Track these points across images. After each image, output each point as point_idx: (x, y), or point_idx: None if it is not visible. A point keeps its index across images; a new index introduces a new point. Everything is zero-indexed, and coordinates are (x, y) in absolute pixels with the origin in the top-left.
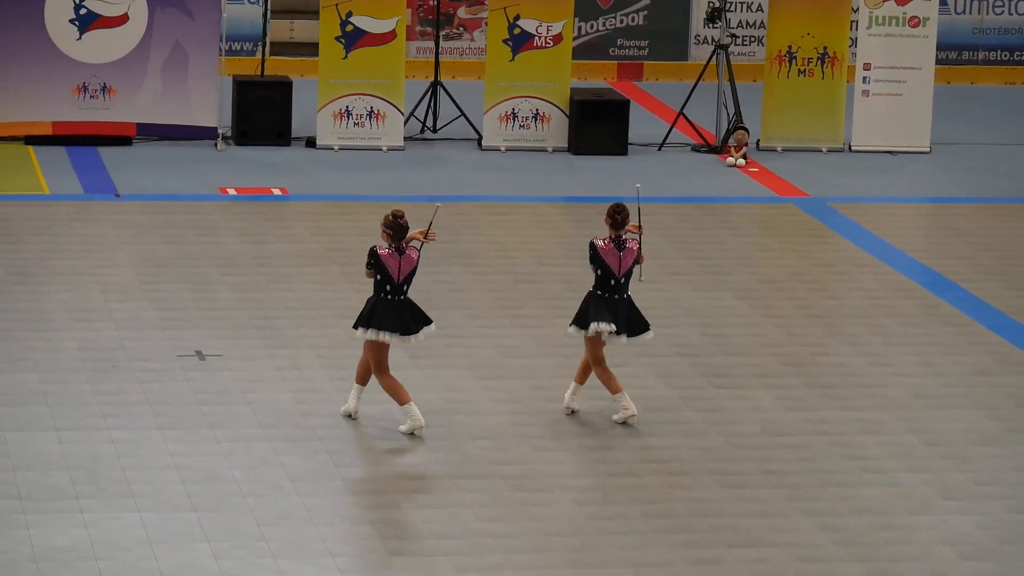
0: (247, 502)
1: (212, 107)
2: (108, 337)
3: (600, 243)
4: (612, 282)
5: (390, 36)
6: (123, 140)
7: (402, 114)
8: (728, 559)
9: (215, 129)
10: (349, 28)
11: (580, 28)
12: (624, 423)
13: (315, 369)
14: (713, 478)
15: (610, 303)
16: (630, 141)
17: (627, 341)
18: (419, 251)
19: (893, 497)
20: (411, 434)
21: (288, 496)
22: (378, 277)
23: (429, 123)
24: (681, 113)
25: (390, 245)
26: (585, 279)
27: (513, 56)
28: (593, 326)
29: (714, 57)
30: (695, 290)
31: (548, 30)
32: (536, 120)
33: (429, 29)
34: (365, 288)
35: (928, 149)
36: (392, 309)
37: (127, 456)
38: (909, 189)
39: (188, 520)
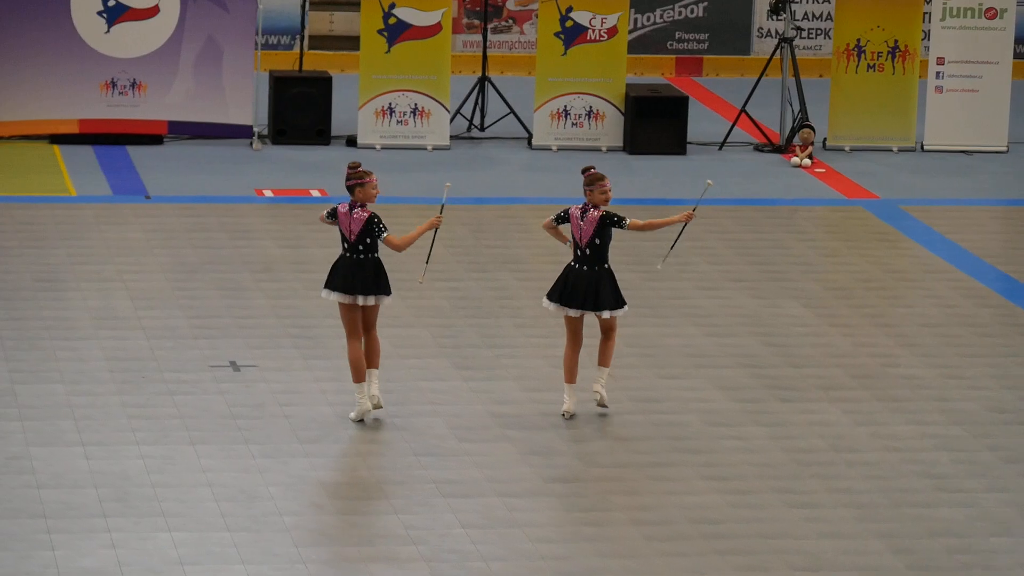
0: (284, 521)
1: (247, 104)
2: (138, 347)
3: (574, 208)
4: (578, 252)
5: (435, 29)
6: (154, 139)
7: (448, 111)
8: None
9: (250, 127)
10: (392, 20)
11: (636, 20)
12: (566, 415)
13: None
14: (778, 497)
15: (576, 275)
16: (689, 140)
17: (575, 313)
18: (368, 216)
19: (971, 518)
20: (360, 420)
21: (328, 515)
22: (340, 235)
23: (476, 121)
24: (743, 110)
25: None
26: (641, 285)
27: (565, 50)
28: (552, 305)
29: (778, 51)
30: (757, 297)
31: (602, 23)
32: (589, 118)
33: (476, 22)
34: (410, 295)
35: (1006, 148)
36: (347, 267)
37: (158, 472)
38: (985, 191)
39: (222, 540)
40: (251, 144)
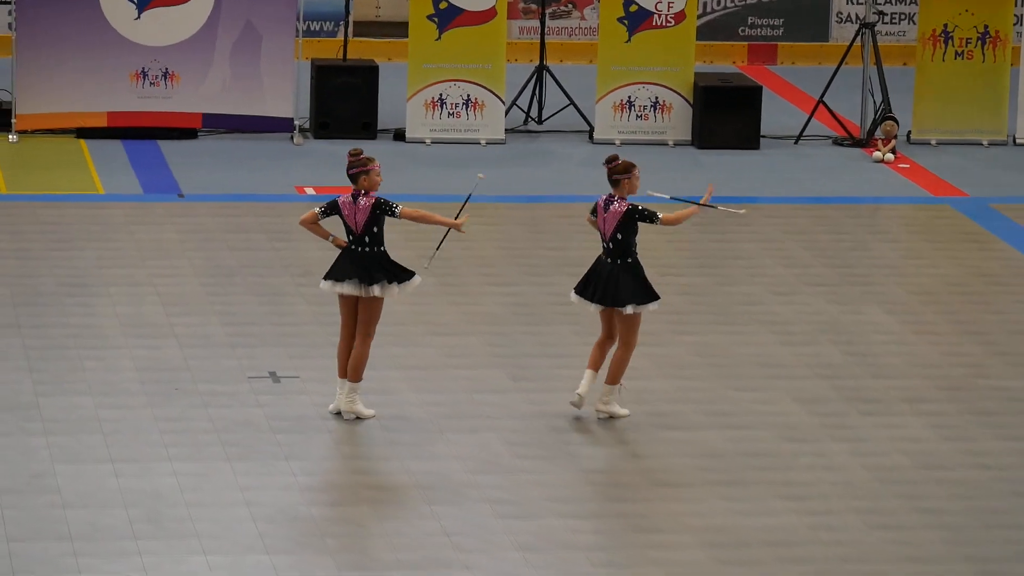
0: (327, 543)
1: (288, 95)
2: (170, 356)
3: (601, 199)
4: (603, 245)
5: (489, 14)
6: (187, 133)
7: (503, 103)
8: None
9: (291, 120)
10: (443, 5)
11: (705, 4)
12: (574, 401)
13: (405, 393)
14: (859, 518)
15: (600, 266)
16: (762, 133)
17: (593, 309)
18: (375, 200)
19: None
20: (338, 413)
21: (374, 537)
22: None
23: (534, 113)
24: (821, 101)
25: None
26: (710, 290)
27: (629, 37)
28: (571, 295)
29: (859, 37)
30: (836, 303)
31: (669, 7)
32: (655, 109)
33: (534, 6)
34: (462, 300)
35: None
36: (351, 259)
37: (192, 491)
38: None
39: (261, 564)
40: (292, 138)
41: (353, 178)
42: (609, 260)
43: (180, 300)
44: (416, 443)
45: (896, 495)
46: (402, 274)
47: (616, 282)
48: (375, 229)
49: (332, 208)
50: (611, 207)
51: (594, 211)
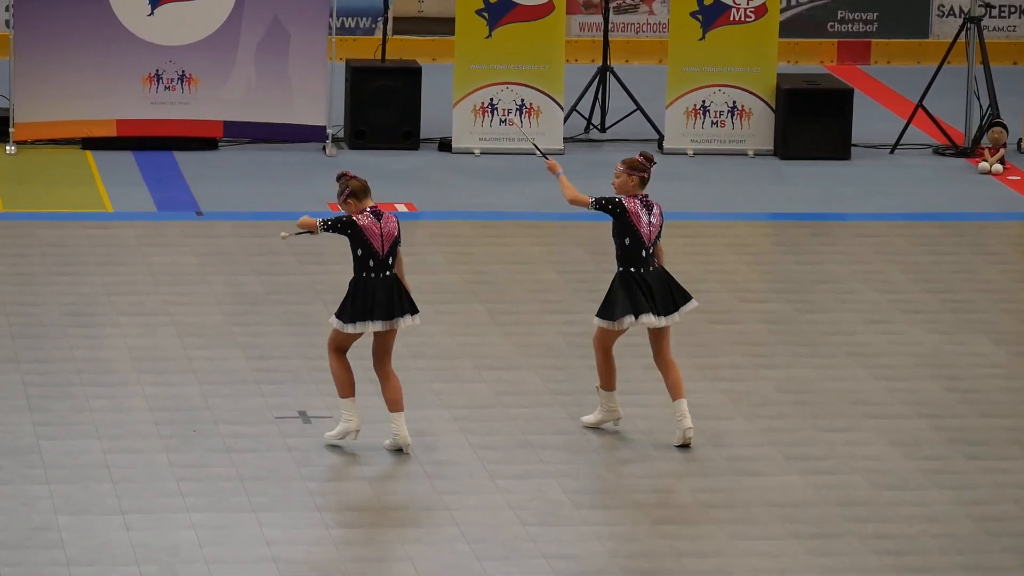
0: None
1: (320, 101)
2: (188, 394)
3: (629, 203)
4: (644, 253)
5: (546, 9)
6: (206, 143)
7: (561, 109)
8: None
9: (323, 129)
10: None
11: None
12: (597, 426)
13: (452, 435)
14: (964, 574)
15: (640, 280)
16: (854, 142)
17: (665, 321)
18: (393, 216)
19: None
20: (341, 439)
21: None
22: (359, 252)
23: (596, 120)
24: (920, 105)
25: (366, 211)
26: (794, 318)
27: (704, 34)
28: (629, 319)
29: (963, 33)
30: (937, 332)
31: (749, 0)
32: (733, 115)
33: (596, 0)
34: (518, 331)
35: None
36: (378, 288)
37: (212, 546)
38: None
39: None
40: (324, 149)
41: (364, 194)
42: (642, 270)
43: (199, 331)
44: (464, 491)
45: (1005, 548)
46: (413, 304)
47: (669, 287)
48: (398, 249)
49: (343, 227)
50: (655, 209)
51: (621, 223)
